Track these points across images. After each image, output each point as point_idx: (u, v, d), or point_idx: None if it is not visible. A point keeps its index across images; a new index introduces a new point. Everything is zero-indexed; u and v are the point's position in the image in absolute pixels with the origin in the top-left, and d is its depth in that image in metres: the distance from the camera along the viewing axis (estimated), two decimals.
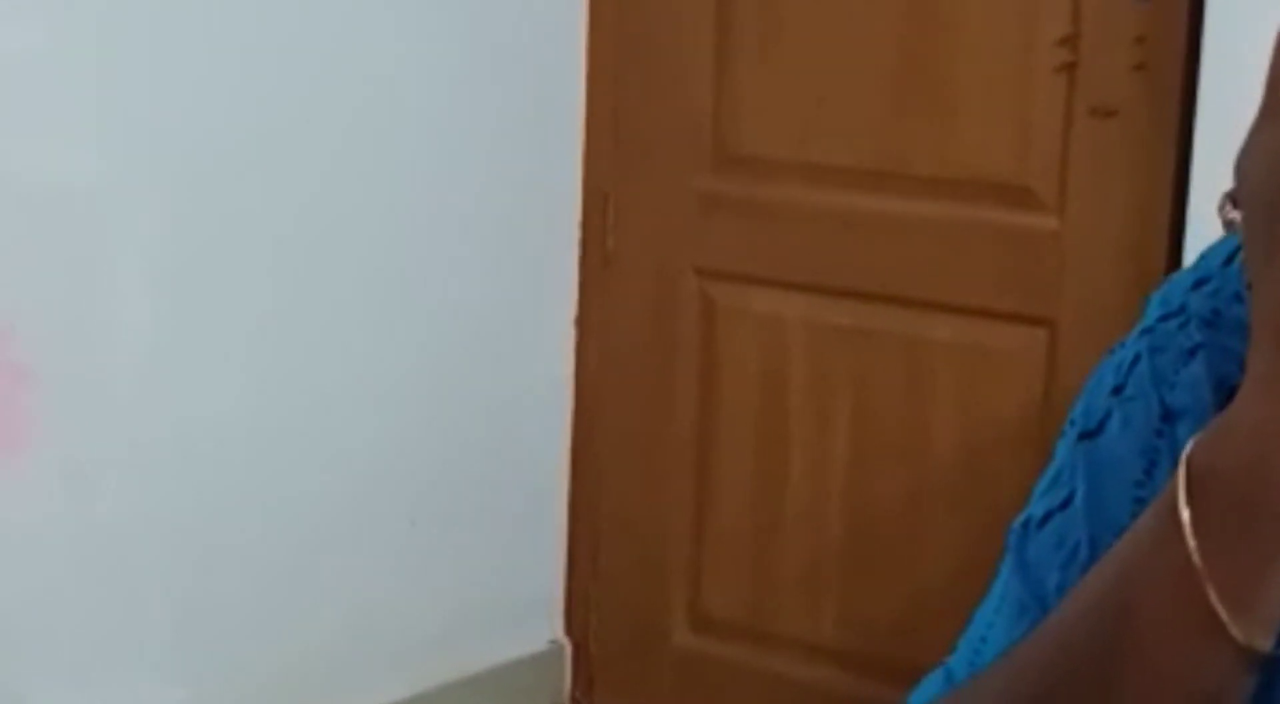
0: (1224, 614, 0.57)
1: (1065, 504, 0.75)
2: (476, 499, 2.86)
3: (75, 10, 2.27)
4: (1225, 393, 0.59)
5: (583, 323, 2.97)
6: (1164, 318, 0.75)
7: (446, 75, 2.72)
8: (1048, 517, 0.76)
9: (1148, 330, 0.76)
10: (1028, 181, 2.56)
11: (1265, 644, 0.58)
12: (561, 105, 2.90)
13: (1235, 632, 0.57)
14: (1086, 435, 0.76)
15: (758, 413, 2.83)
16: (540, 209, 2.91)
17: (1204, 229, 2.20)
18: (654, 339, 2.93)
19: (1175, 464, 0.60)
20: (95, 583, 2.38)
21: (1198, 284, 0.75)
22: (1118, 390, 0.75)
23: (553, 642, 3.03)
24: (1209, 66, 2.33)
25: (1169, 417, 0.72)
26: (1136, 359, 0.75)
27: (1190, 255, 2.38)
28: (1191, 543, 0.58)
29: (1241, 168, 0.60)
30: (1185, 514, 0.58)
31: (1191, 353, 0.73)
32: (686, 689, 2.94)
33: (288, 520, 2.59)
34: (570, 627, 3.04)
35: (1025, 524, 0.77)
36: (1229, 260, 0.75)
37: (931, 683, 0.79)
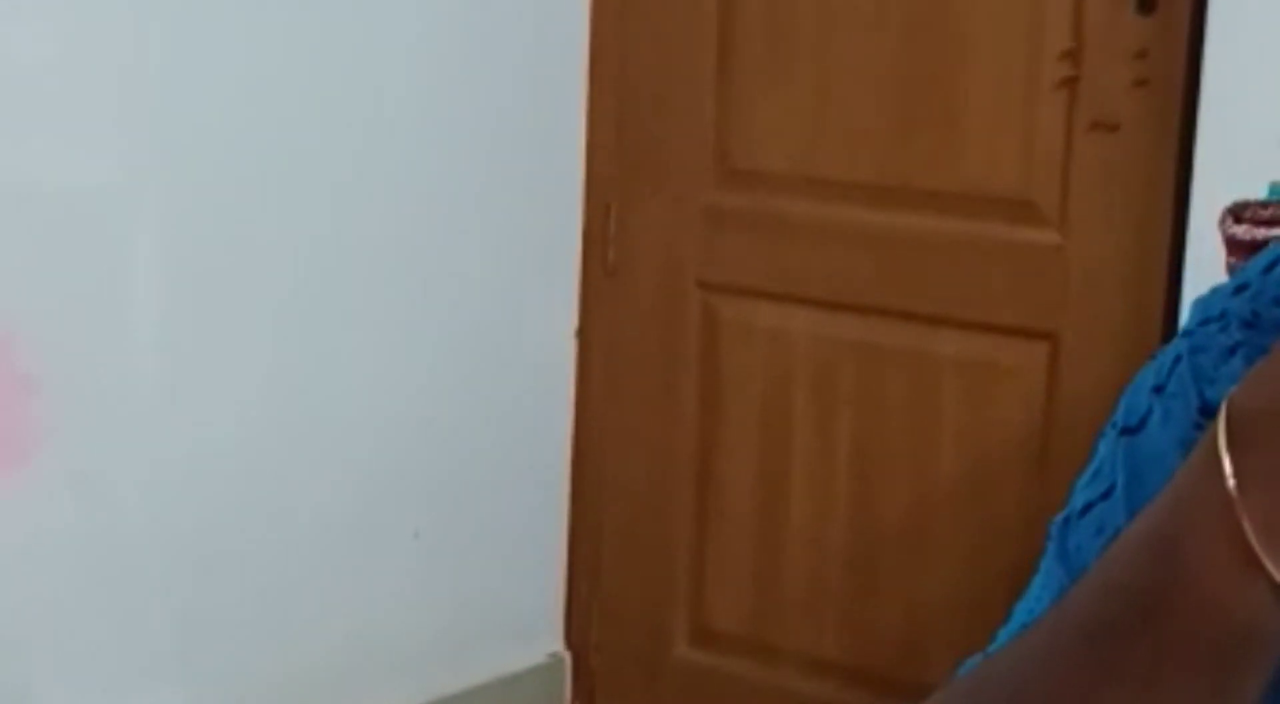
0: (1260, 550, 0.59)
1: (1106, 495, 0.77)
2: (479, 511, 2.86)
3: (89, 17, 2.28)
4: None
5: (584, 335, 2.98)
6: (1204, 322, 0.77)
7: (450, 85, 2.72)
8: (1088, 507, 0.77)
9: (1188, 333, 0.77)
10: (1030, 196, 2.56)
11: None
12: (564, 115, 2.90)
13: (1271, 568, 0.59)
14: (1128, 431, 0.77)
15: (761, 426, 2.83)
16: (542, 220, 2.91)
17: (1205, 243, 2.21)
18: (657, 352, 2.93)
19: None
20: (100, 591, 2.38)
21: (1238, 290, 0.77)
22: (1159, 389, 0.77)
23: (553, 654, 3.03)
24: (1210, 81, 2.34)
25: (1208, 411, 0.73)
26: (1178, 360, 0.77)
27: (1191, 269, 2.39)
28: (1231, 482, 0.59)
29: None
30: (1225, 454, 0.60)
31: (1231, 351, 0.75)
32: (686, 702, 2.94)
33: (291, 532, 2.60)
34: (571, 639, 3.04)
35: (1066, 519, 0.78)
36: (1269, 269, 0.76)
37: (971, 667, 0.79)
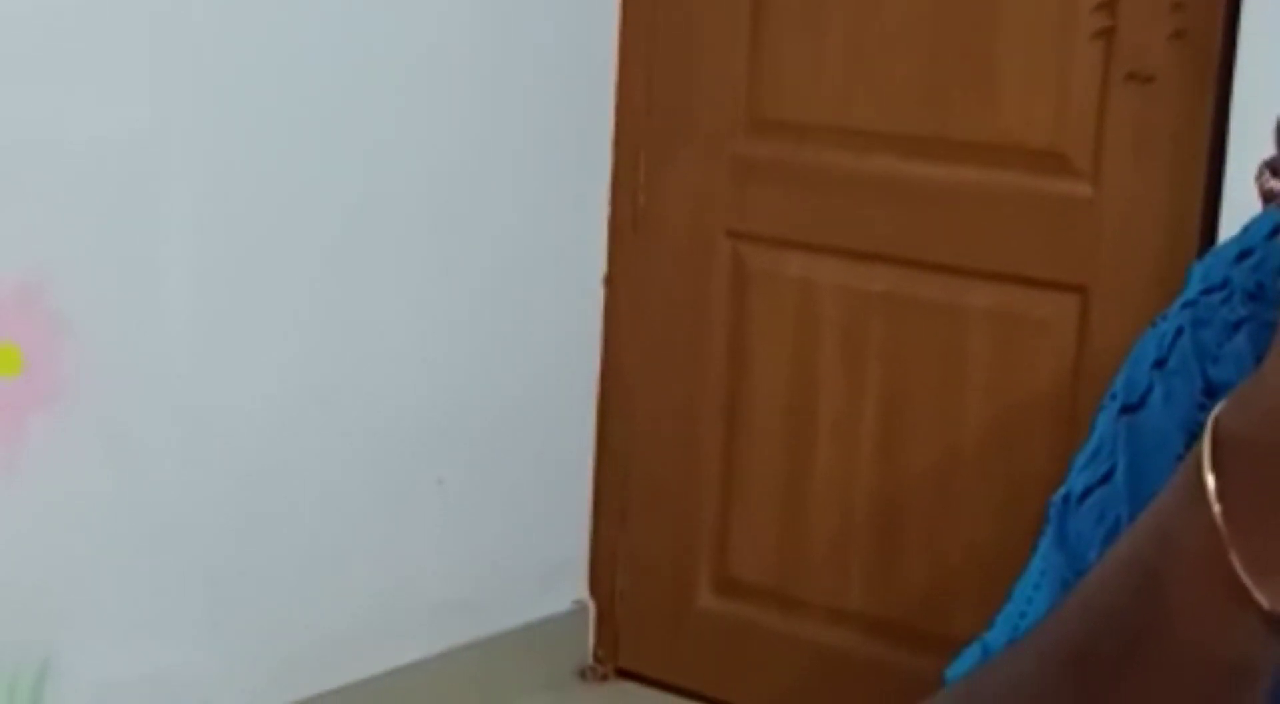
0: (1249, 581, 0.56)
1: (1106, 479, 0.74)
2: (504, 459, 2.86)
3: None
4: None
5: (613, 283, 2.97)
6: (1207, 291, 0.74)
7: (482, 35, 2.71)
8: (1088, 491, 0.75)
9: (1190, 303, 0.75)
10: (1063, 148, 2.54)
11: None
12: (595, 64, 2.89)
13: (1260, 598, 0.56)
14: (1128, 409, 0.75)
15: (788, 376, 2.82)
16: (572, 167, 2.90)
17: (1240, 198, 2.19)
18: (685, 300, 2.92)
19: None
20: (129, 542, 2.38)
21: (1241, 256, 0.74)
22: (1160, 364, 0.74)
23: (577, 601, 3.04)
24: (1247, 34, 2.31)
25: (1212, 391, 0.71)
26: (1179, 332, 0.74)
27: (1225, 224, 2.36)
28: (1216, 509, 0.57)
29: None
30: (1210, 480, 0.57)
31: (1235, 327, 0.72)
32: (710, 651, 2.95)
33: (317, 480, 2.60)
34: (595, 587, 3.05)
35: (1065, 499, 0.76)
36: (1274, 233, 0.73)
37: (968, 658, 0.78)
